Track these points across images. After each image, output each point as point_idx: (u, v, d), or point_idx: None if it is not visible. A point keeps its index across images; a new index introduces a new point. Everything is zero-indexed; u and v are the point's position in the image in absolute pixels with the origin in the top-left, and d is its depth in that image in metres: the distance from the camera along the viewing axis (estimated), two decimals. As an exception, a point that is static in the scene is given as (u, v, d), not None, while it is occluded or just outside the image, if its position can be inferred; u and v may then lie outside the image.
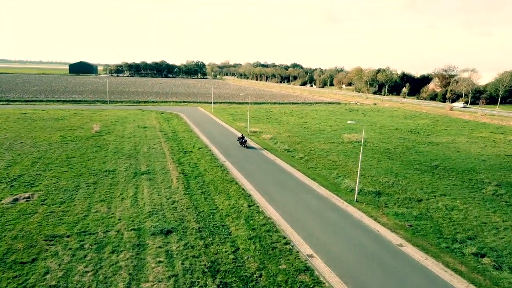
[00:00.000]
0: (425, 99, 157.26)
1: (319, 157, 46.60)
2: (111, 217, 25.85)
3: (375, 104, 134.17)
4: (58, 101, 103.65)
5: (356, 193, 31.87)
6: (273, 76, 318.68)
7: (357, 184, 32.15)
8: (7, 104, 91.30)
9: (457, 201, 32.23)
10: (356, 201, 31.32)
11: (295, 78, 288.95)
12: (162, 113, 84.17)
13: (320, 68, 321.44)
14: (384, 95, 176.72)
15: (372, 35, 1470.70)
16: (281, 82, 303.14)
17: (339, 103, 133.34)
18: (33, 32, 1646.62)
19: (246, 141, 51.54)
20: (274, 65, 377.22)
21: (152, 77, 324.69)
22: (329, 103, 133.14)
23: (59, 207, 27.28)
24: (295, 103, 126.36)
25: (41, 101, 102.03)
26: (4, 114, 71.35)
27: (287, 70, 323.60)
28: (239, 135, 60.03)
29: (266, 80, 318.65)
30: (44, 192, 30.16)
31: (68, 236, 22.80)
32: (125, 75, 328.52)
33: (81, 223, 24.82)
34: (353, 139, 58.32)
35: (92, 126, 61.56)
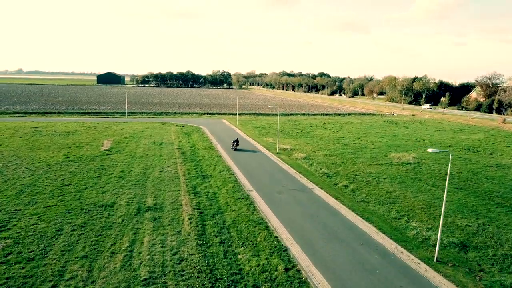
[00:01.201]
0: (466, 109, 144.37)
1: (368, 185, 37.58)
2: (90, 288, 18.03)
3: (413, 115, 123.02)
4: (76, 113, 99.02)
5: (437, 249, 22.72)
6: (300, 85, 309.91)
7: (438, 235, 22.97)
8: (22, 116, 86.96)
9: None
10: (436, 260, 22.25)
11: (323, 87, 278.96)
12: (183, 126, 77.20)
13: (349, 77, 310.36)
14: (422, 105, 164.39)
15: (400, 44, 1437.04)
16: (308, 91, 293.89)
17: (374, 114, 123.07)
18: (67, 45, 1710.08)
19: (237, 144, 54.48)
20: (300, 74, 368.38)
21: (178, 87, 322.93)
22: (363, 114, 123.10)
23: (23, 267, 19.73)
24: (326, 114, 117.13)
25: (59, 112, 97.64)
26: (13, 128, 66.18)
27: (314, 79, 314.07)
28: (267, 153, 51.86)
29: (293, 90, 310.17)
30: (13, 240, 22.82)
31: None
32: (151, 85, 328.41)
33: (45, 299, 17.09)
34: (404, 160, 48.84)
35: (102, 143, 54.94)
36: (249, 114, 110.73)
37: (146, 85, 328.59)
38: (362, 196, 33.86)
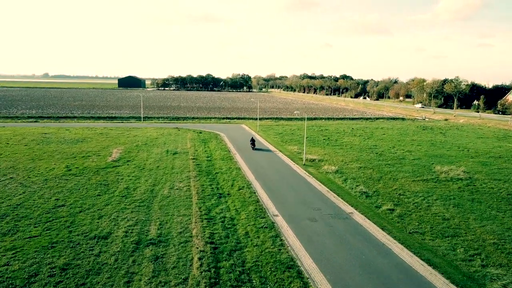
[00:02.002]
0: (503, 113, 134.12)
1: (418, 208, 31.02)
2: None
3: (446, 120, 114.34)
4: (92, 117, 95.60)
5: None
6: (322, 88, 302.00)
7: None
8: (35, 121, 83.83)
9: None
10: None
11: (346, 90, 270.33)
12: (200, 132, 72.02)
13: (372, 79, 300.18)
14: (454, 108, 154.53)
15: (422, 46, 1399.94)
16: (330, 94, 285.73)
17: (403, 119, 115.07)
18: (91, 50, 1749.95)
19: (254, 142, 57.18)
20: (322, 77, 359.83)
21: (198, 90, 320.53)
22: (392, 118, 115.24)
23: None
24: (353, 119, 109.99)
25: (74, 117, 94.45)
26: (21, 134, 62.47)
27: (336, 81, 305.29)
28: (292, 165, 45.87)
29: (315, 93, 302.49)
30: (-29, 290, 17.66)
31: None
32: (171, 89, 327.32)
33: None
34: (453, 175, 41.86)
35: (111, 152, 50.18)
36: (270, 118, 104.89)
37: (166, 88, 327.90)
38: (413, 225, 27.38)
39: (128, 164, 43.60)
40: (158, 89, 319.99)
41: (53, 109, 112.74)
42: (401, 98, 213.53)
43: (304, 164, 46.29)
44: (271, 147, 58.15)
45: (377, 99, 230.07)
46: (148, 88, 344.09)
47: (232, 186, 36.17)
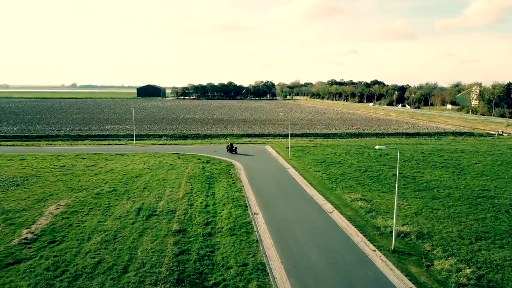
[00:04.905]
0: None
1: None
2: None
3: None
4: (79, 136, 76.39)
5: None
6: (352, 95, 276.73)
7: None
8: (-3, 144, 64.66)
9: None
10: None
11: (379, 97, 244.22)
12: (208, 161, 50.37)
13: (408, 85, 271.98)
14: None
15: (451, 51, 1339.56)
16: (361, 101, 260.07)
17: (471, 134, 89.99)
18: (117, 60, 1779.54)
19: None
20: (351, 83, 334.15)
21: (219, 99, 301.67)
22: (457, 133, 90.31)
23: None
24: (408, 135, 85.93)
25: (57, 135, 75.33)
26: None
27: (368, 87, 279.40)
28: (371, 253, 23.21)
29: (346, 100, 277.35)
30: None
31: None
32: (192, 97, 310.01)
33: None
34: None
35: (43, 212, 29.13)
36: (302, 135, 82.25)
37: (186, 97, 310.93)
38: None
39: (43, 251, 22.25)
40: (178, 98, 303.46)
41: (40, 125, 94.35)
42: (448, 106, 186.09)
43: (395, 251, 23.47)
44: (314, 194, 35.72)
45: (417, 107, 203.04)
46: (168, 97, 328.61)
47: None
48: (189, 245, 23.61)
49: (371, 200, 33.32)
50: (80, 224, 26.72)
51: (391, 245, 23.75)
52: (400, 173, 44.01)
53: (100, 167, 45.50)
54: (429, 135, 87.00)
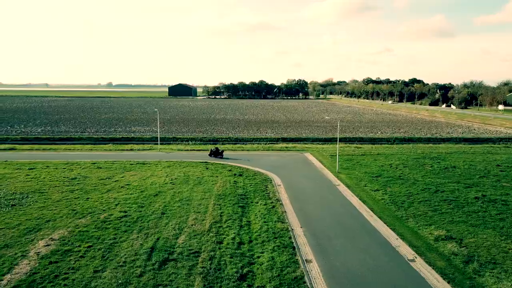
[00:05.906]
0: None
1: None
2: None
3: None
4: (102, 139, 70.80)
5: None
6: (390, 94, 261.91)
7: None
8: (10, 149, 59.99)
9: None
10: None
11: (421, 96, 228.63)
12: (241, 174, 42.77)
13: (450, 83, 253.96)
14: None
15: (489, 49, 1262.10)
16: (400, 101, 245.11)
17: (542, 139, 77.52)
18: (151, 59, 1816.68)
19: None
20: (388, 81, 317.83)
21: (250, 98, 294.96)
22: (526, 138, 78.09)
23: None
24: (468, 140, 74.91)
25: (80, 138, 70.21)
26: None
27: (407, 86, 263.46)
28: None
29: (384, 100, 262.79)
30: None
31: None
32: (222, 97, 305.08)
33: None
34: None
35: (26, 252, 22.46)
36: (345, 140, 73.05)
37: (217, 96, 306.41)
38: None
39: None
40: (209, 97, 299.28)
41: (66, 126, 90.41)
42: (500, 106, 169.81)
43: None
44: (381, 226, 27.23)
45: (464, 107, 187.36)
46: (199, 96, 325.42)
47: None
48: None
49: (461, 240, 24.52)
50: (70, 275, 19.68)
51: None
52: (483, 196, 34.64)
53: (116, 180, 38.92)
54: (492, 140, 75.56)
